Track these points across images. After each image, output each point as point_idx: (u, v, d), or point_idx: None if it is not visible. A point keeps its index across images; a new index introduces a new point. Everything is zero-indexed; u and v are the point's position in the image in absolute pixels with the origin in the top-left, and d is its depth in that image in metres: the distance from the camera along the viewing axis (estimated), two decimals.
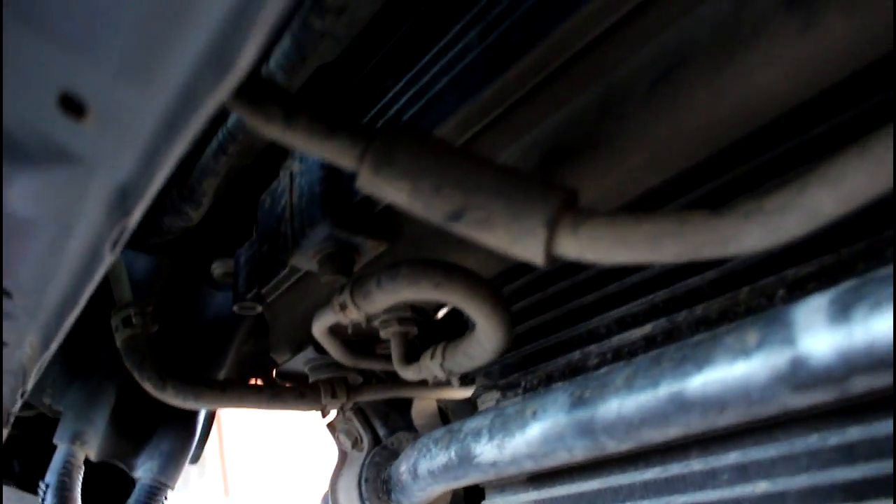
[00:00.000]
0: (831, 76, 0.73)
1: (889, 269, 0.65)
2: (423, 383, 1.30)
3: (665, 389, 0.78)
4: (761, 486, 0.86)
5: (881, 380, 0.64)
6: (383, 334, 1.23)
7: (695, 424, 0.78)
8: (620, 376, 0.84)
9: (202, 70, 0.51)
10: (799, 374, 0.68)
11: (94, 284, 0.80)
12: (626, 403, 0.82)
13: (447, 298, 0.97)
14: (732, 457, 0.89)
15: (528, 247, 0.77)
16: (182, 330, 1.88)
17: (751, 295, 0.88)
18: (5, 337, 0.92)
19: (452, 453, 1.10)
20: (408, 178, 0.78)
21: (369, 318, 1.08)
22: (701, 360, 0.76)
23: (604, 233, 0.74)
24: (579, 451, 0.91)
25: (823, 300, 0.67)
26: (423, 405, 1.64)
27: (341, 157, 0.77)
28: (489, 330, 1.00)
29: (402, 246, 1.18)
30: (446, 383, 1.21)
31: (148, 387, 1.39)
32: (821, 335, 0.66)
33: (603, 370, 1.02)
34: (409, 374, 1.20)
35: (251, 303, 1.46)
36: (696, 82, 0.78)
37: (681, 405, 0.77)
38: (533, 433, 0.95)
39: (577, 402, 0.89)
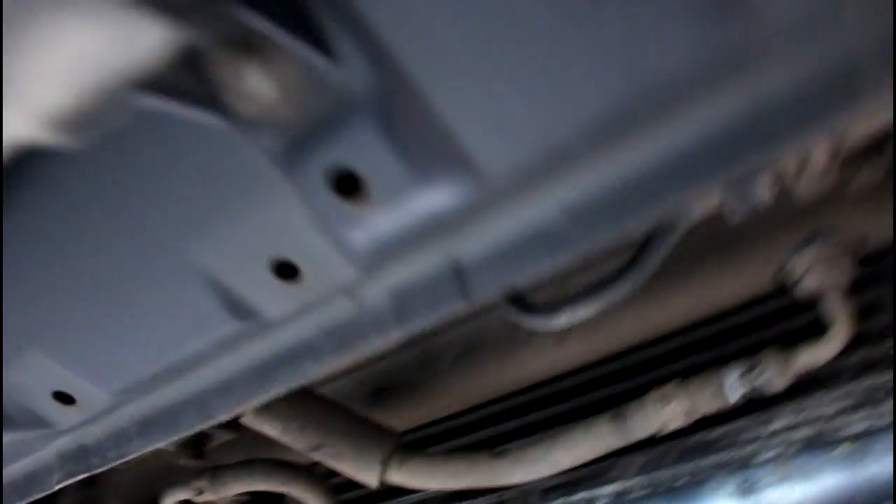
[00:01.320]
0: (573, 371, 1.12)
1: None
2: None
3: None
4: None
5: None
6: None
7: None
8: None
9: None
10: None
11: None
12: None
13: (291, 492, 1.24)
14: None
15: (367, 475, 1.08)
16: None
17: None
18: None
19: None
20: (280, 420, 1.07)
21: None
22: None
23: (420, 469, 1.08)
24: None
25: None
26: None
27: None
28: None
29: (247, 436, 1.43)
30: None
31: None
32: None
33: None
34: None
35: None
36: (487, 361, 1.15)
37: None
38: None
39: None
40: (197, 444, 1.40)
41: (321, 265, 0.62)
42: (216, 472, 1.28)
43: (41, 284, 0.67)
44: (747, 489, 0.96)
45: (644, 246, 0.87)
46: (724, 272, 1.04)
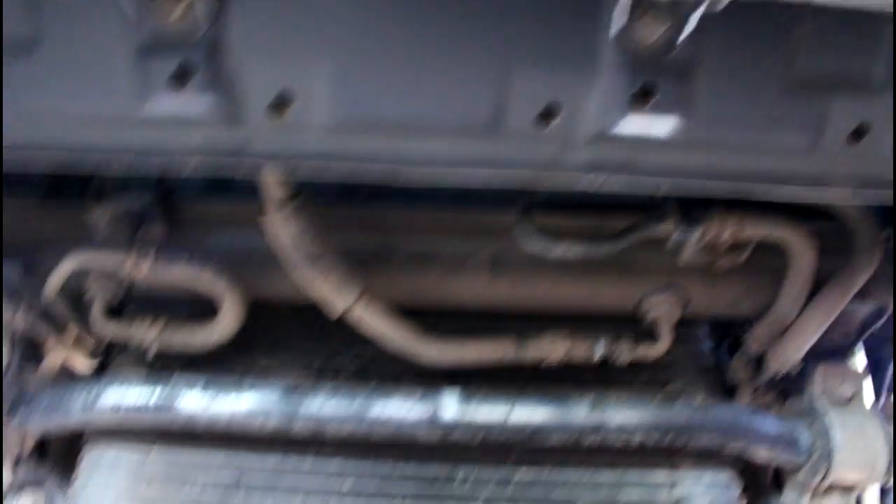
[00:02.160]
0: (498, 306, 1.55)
1: None
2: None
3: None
4: None
5: None
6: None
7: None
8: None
9: None
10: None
11: None
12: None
13: (204, 289, 1.43)
14: None
15: (339, 300, 1.39)
16: None
17: None
18: None
19: None
20: (305, 220, 1.32)
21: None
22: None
23: (378, 317, 1.42)
24: None
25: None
26: None
27: None
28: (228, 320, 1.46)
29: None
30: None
31: None
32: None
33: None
34: (108, 328, 1.51)
35: None
36: (435, 273, 1.52)
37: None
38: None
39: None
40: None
41: None
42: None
43: None
44: None
45: (625, 231, 1.39)
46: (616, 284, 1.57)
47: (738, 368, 1.68)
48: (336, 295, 1.38)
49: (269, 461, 1.52)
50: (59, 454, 1.67)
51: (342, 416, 1.40)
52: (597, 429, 1.41)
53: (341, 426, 1.40)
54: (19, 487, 1.61)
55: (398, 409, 1.40)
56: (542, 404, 1.42)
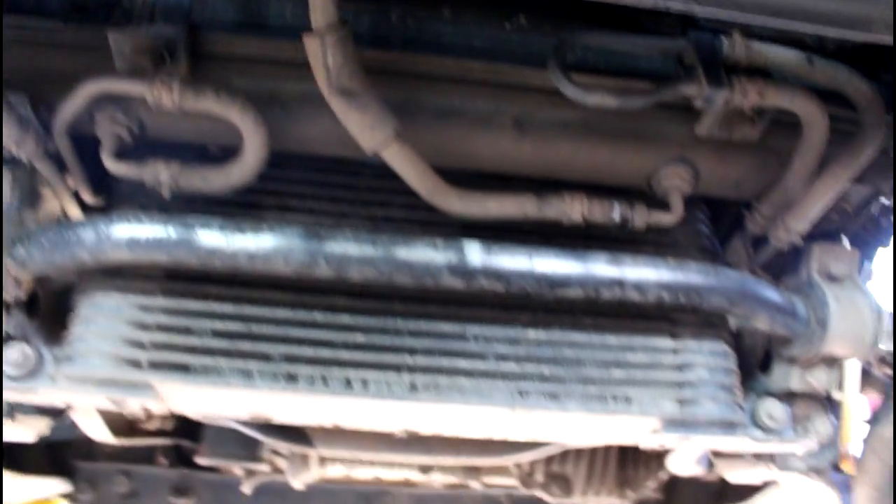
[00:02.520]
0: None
1: None
2: None
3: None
4: None
5: None
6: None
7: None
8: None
9: None
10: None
11: None
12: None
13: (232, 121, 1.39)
14: None
15: (371, 138, 1.37)
16: None
17: None
18: None
19: None
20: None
21: None
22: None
23: (410, 158, 1.39)
24: None
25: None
26: None
27: None
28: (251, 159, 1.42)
29: None
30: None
31: None
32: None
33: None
34: (119, 168, 1.44)
35: None
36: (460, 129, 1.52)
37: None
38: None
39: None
40: None
41: None
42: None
43: None
44: None
45: (657, 89, 1.41)
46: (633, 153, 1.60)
47: (736, 250, 1.73)
48: (371, 130, 1.35)
49: (280, 312, 1.49)
50: (49, 309, 1.60)
51: (366, 256, 1.37)
52: (616, 283, 1.43)
53: (364, 268, 1.38)
54: (5, 340, 1.53)
55: (423, 253, 1.39)
56: (562, 257, 1.43)
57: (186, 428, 2.37)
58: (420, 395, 1.45)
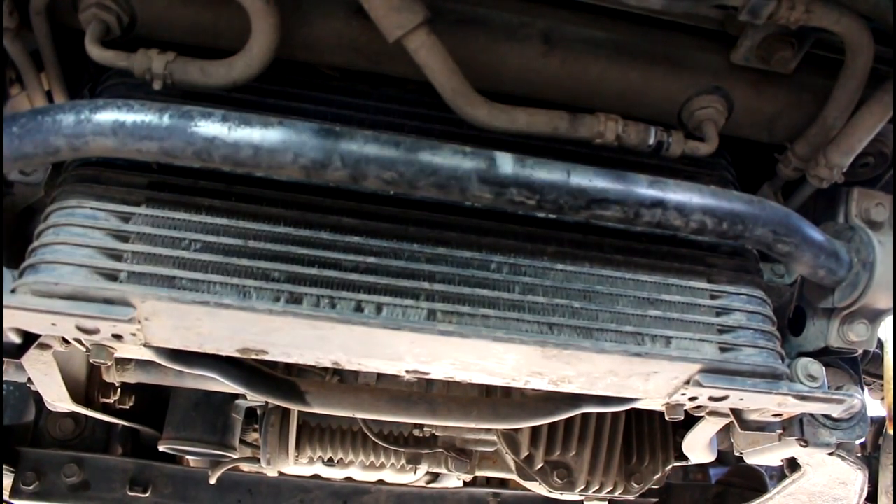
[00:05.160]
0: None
1: None
2: None
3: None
4: None
5: None
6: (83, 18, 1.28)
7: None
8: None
9: None
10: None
11: None
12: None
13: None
14: None
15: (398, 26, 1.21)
16: None
17: None
18: None
19: None
20: None
21: None
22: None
23: (435, 48, 1.25)
24: None
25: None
26: None
27: None
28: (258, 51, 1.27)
29: None
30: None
31: None
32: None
33: None
34: (105, 56, 1.27)
35: None
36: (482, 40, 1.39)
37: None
38: None
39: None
40: None
41: None
42: None
43: None
44: None
45: None
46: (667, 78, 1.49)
47: (767, 195, 1.62)
48: (398, 13, 1.21)
49: (282, 229, 1.31)
50: (13, 233, 1.40)
51: (387, 157, 1.21)
52: (657, 203, 1.30)
53: (384, 171, 1.22)
54: None
55: (451, 158, 1.23)
56: (600, 174, 1.30)
57: (147, 413, 2.14)
58: (439, 325, 1.28)
